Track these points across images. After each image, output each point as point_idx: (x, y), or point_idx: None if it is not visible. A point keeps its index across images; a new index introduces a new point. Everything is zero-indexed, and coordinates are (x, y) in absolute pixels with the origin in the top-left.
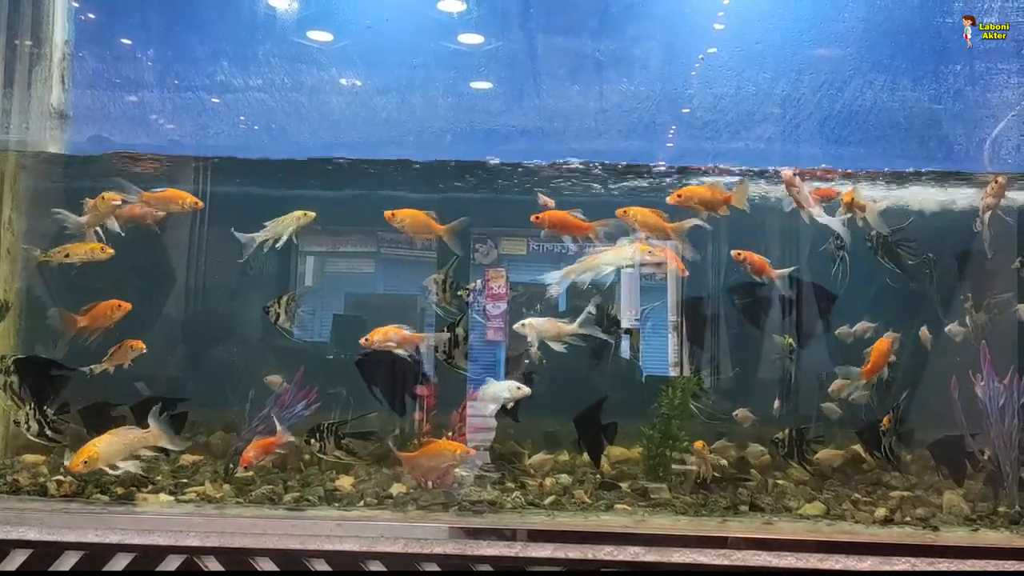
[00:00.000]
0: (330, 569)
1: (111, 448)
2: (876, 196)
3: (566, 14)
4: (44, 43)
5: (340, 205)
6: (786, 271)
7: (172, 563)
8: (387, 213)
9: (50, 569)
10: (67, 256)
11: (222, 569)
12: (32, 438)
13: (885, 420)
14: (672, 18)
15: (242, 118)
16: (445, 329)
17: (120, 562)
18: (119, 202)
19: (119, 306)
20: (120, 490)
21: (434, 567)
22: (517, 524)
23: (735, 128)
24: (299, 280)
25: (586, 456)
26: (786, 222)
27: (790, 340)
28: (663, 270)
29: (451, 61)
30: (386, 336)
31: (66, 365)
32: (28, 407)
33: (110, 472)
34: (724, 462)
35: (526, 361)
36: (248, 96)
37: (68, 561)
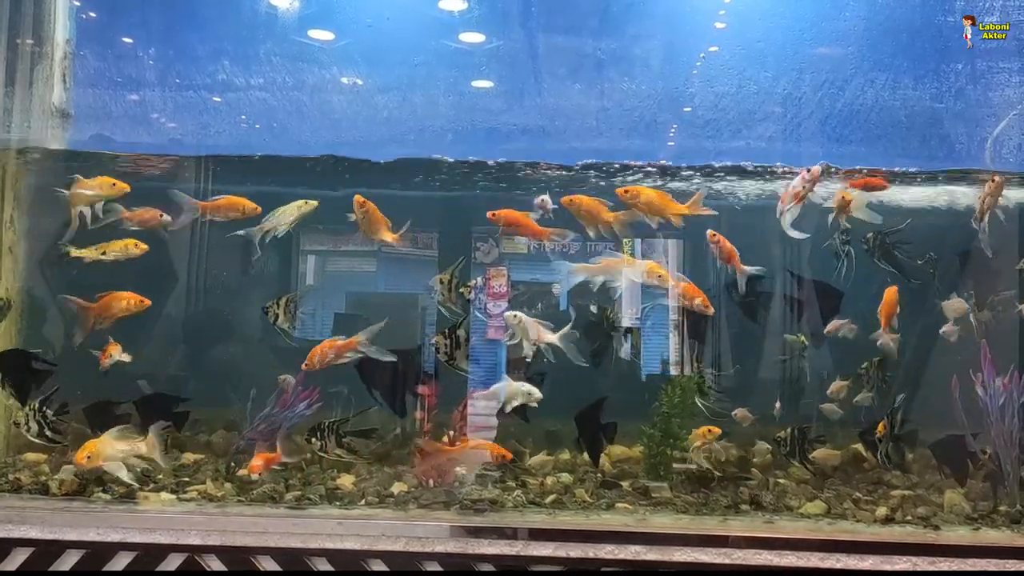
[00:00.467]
0: (331, 568)
1: (110, 448)
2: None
3: (567, 13)
4: (45, 42)
5: (341, 204)
6: (752, 269)
7: (173, 562)
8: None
9: (51, 568)
10: (103, 253)
11: (224, 568)
12: (32, 438)
13: (880, 426)
14: (673, 17)
15: (243, 117)
16: (446, 331)
17: (121, 561)
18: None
19: (140, 301)
20: (121, 489)
21: (435, 566)
22: (518, 523)
23: (736, 127)
24: (300, 279)
25: (586, 455)
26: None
27: (803, 339)
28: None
29: (452, 60)
30: (324, 355)
31: (48, 360)
32: (29, 407)
33: (109, 470)
34: (724, 456)
35: (527, 360)
36: (249, 95)
37: (69, 560)
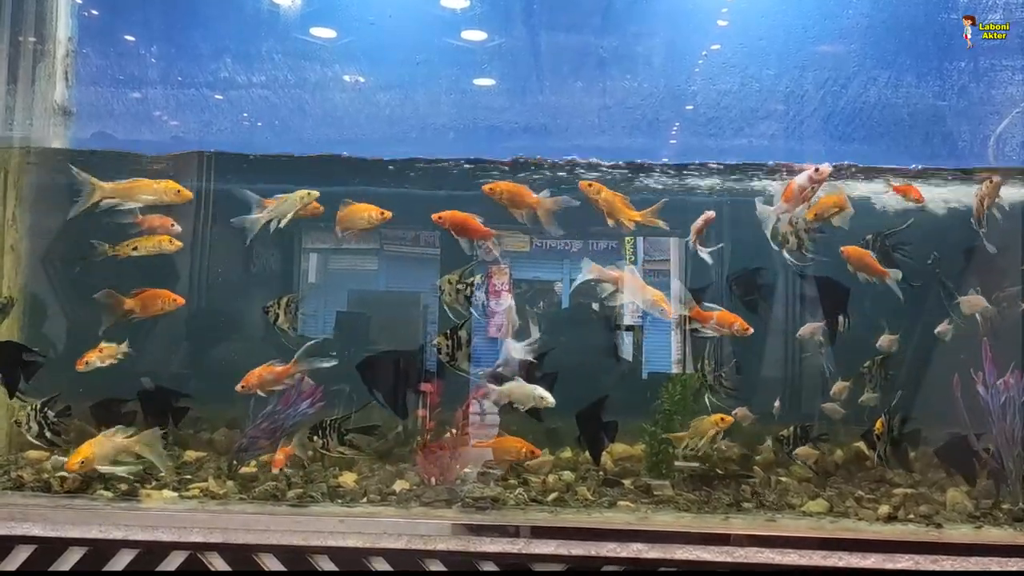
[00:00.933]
0: (334, 566)
1: (105, 450)
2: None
3: (569, 11)
4: (48, 40)
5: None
6: (708, 250)
7: (176, 560)
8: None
9: (54, 565)
10: (135, 249)
11: (226, 566)
12: (31, 439)
13: (878, 424)
14: (675, 15)
15: (245, 115)
16: (447, 332)
17: (124, 558)
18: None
19: (173, 300)
20: (124, 486)
21: (438, 564)
22: (520, 521)
23: (739, 125)
24: (302, 277)
25: (588, 453)
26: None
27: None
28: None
29: (454, 58)
30: (261, 379)
31: (39, 351)
32: (31, 407)
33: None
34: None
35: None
36: (251, 93)
37: (72, 557)
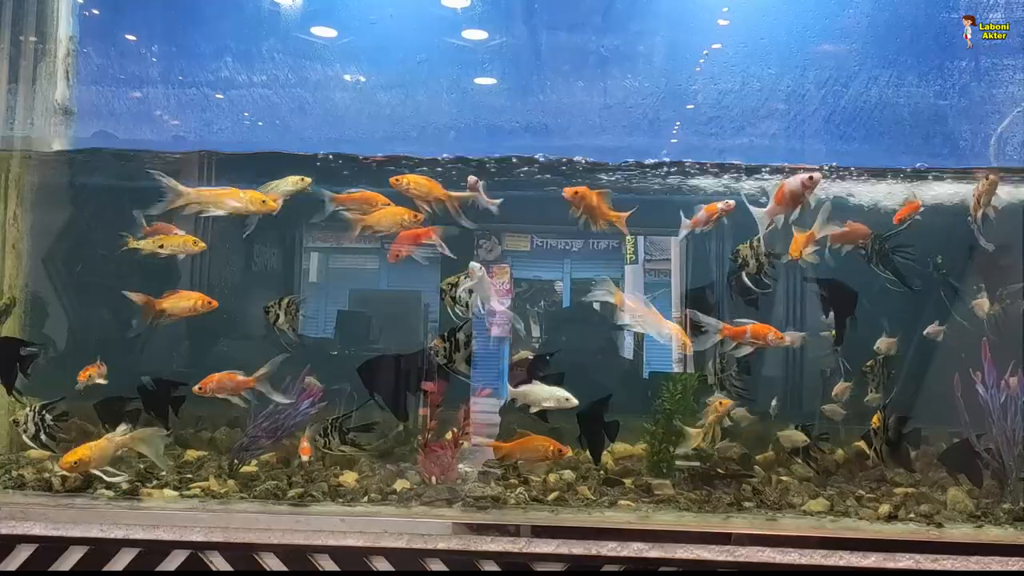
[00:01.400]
0: (335, 565)
1: (102, 453)
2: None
3: (570, 10)
4: (48, 39)
5: None
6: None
7: (177, 559)
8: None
9: (55, 564)
10: (160, 247)
11: (227, 565)
12: (27, 440)
13: (874, 419)
14: (676, 14)
15: (246, 114)
16: (445, 334)
17: (125, 557)
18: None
19: (208, 302)
20: (125, 486)
21: (438, 563)
22: (521, 520)
23: (739, 124)
24: (303, 276)
25: (588, 453)
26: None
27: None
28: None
29: (455, 57)
30: (219, 384)
31: (35, 345)
32: (30, 408)
33: (104, 476)
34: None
35: (530, 356)
36: (252, 92)
37: (73, 556)
